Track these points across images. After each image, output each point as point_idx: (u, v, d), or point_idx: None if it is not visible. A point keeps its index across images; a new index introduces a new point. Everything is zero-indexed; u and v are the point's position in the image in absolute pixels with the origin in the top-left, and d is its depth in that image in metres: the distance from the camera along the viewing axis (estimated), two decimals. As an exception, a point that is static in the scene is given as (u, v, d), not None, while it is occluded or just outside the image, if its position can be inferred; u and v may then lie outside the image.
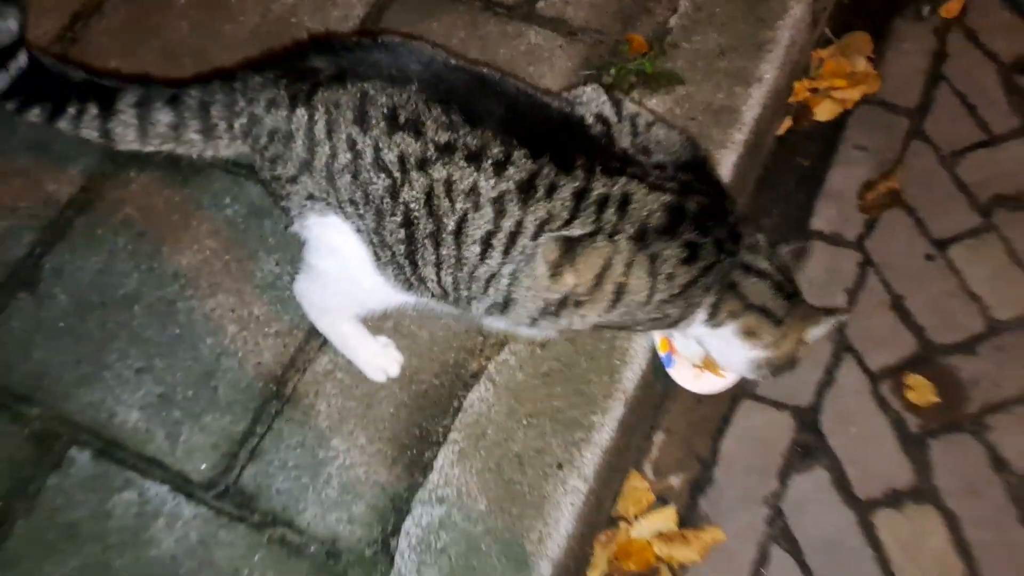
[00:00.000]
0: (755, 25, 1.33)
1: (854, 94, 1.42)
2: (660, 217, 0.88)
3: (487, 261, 0.91)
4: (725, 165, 1.21)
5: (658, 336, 1.14)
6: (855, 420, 1.19)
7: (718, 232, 0.92)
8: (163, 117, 0.98)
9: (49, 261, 1.16)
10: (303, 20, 1.37)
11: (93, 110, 0.98)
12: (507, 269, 0.91)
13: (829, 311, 1.02)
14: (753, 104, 1.25)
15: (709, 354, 1.08)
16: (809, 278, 1.27)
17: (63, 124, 1.00)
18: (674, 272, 0.91)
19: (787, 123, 1.40)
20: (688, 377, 1.17)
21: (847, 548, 1.11)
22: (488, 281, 0.92)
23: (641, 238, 0.89)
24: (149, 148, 1.01)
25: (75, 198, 1.21)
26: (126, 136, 1.00)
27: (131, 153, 1.04)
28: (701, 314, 0.97)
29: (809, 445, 1.17)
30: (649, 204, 0.89)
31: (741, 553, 1.11)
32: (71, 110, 0.99)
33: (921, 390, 1.19)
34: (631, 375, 1.10)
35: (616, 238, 0.88)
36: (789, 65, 1.33)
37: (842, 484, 1.14)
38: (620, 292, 0.92)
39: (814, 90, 1.43)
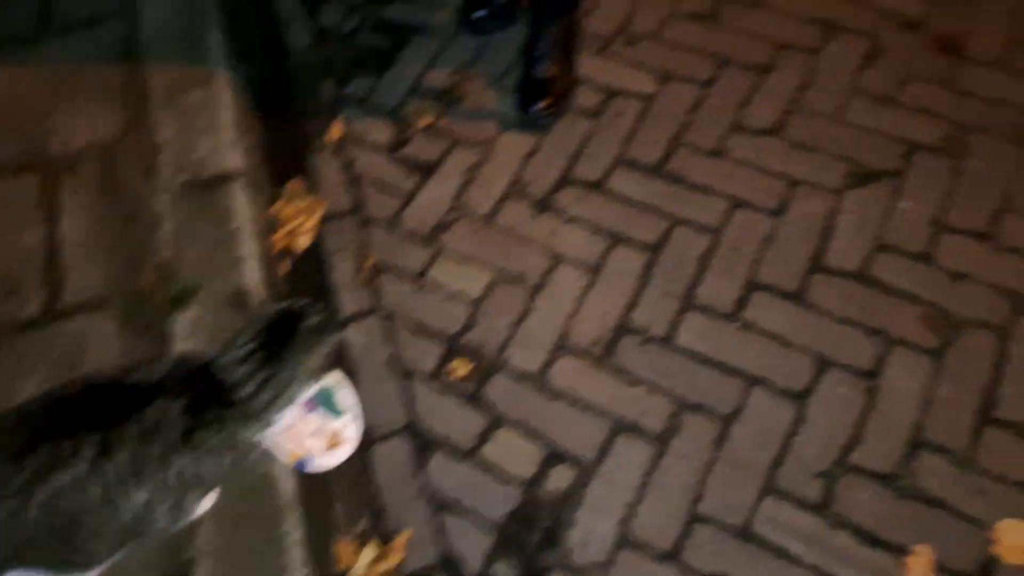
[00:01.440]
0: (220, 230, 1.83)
1: (314, 220, 1.99)
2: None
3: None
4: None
5: (285, 456, 1.59)
6: (446, 418, 1.76)
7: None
8: None
9: None
10: None
11: None
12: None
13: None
14: (252, 274, 1.76)
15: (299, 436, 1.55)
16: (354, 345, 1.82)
17: None
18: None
19: (285, 266, 1.93)
20: (327, 459, 1.64)
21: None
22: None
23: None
24: None
25: None
26: None
27: None
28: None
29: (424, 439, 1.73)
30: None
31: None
32: None
33: (462, 366, 1.80)
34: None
35: None
36: (260, 236, 1.86)
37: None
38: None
39: (289, 233, 1.98)
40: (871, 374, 1.73)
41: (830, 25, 2.22)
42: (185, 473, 1.23)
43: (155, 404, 1.20)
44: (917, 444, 1.65)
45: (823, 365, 1.75)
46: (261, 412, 1.28)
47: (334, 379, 1.65)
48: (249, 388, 1.25)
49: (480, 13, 2.24)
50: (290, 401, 1.31)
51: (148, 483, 1.20)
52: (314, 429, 1.60)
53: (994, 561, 1.53)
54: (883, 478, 1.62)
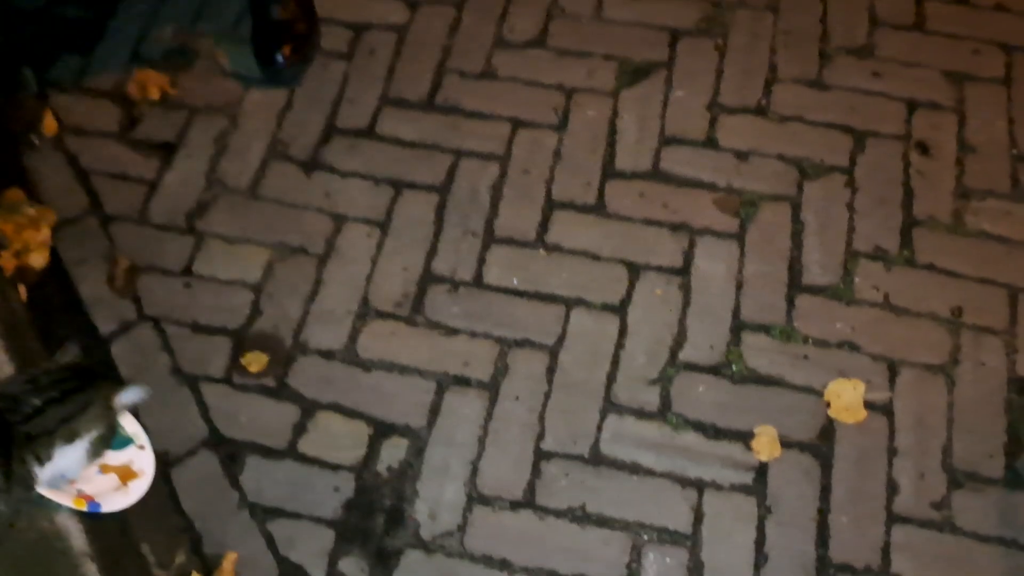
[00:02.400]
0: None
1: (45, 232, 1.69)
2: None
3: None
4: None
5: (70, 502, 1.35)
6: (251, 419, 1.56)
7: None
8: None
9: None
10: None
11: None
12: None
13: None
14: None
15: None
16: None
17: None
18: None
19: (23, 290, 1.63)
20: (122, 498, 1.41)
21: None
22: None
23: None
24: None
25: None
26: None
27: None
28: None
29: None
30: None
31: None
32: None
33: (256, 360, 1.60)
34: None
35: None
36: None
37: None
38: None
39: (18, 252, 1.67)
40: (682, 270, 1.69)
41: (570, -76, 2.14)
42: None
43: None
44: (739, 328, 1.63)
45: (635, 271, 1.69)
46: (43, 448, 1.15)
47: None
48: (34, 423, 1.14)
49: (191, -36, 1.97)
50: (72, 440, 1.18)
51: None
52: (100, 466, 1.36)
53: (831, 424, 1.55)
54: (714, 369, 1.60)
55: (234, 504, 1.47)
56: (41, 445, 1.16)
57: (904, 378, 1.58)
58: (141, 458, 1.41)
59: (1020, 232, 1.71)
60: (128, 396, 1.26)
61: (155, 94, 1.86)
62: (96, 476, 1.35)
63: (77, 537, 1.28)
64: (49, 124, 1.82)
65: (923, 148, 1.81)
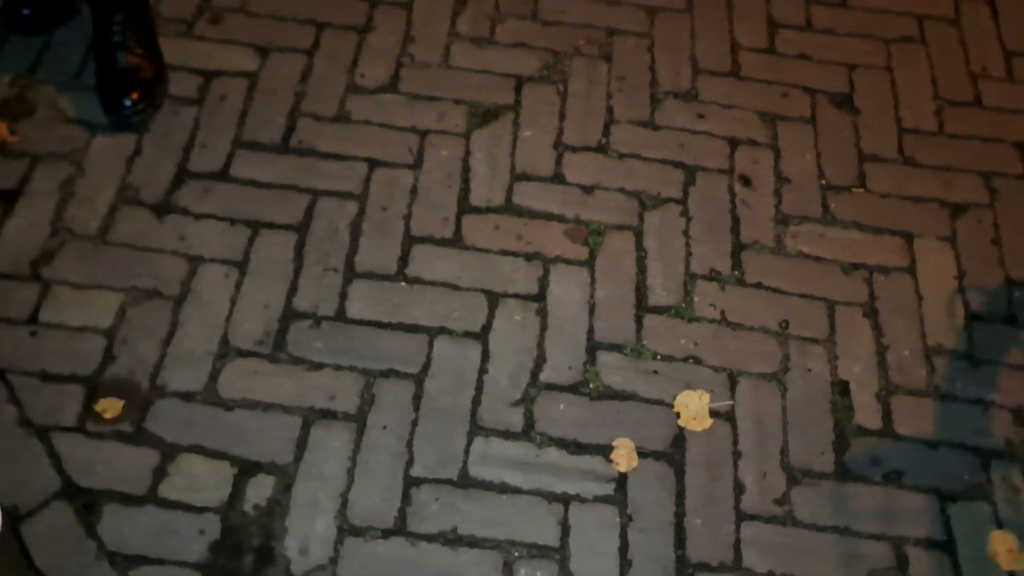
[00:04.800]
0: None
1: None
2: None
3: None
4: None
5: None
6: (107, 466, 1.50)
7: None
8: None
9: None
10: None
11: None
12: None
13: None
14: None
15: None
16: None
17: None
18: None
19: None
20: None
21: None
22: None
23: None
24: None
25: None
26: None
27: None
28: None
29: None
30: None
31: None
32: None
33: (112, 406, 1.55)
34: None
35: None
36: None
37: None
38: None
39: None
40: (538, 297, 1.78)
41: (414, -22, 2.24)
42: None
43: None
44: (594, 348, 1.73)
45: (494, 299, 1.76)
46: None
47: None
48: None
49: (26, 11, 1.92)
50: None
51: None
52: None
53: (681, 432, 1.66)
54: (573, 388, 1.68)
55: (92, 555, 1.40)
56: None
57: (742, 387, 1.72)
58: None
59: (832, 252, 1.90)
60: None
61: (-9, 142, 1.80)
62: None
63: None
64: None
65: (745, 180, 1.99)
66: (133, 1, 1.85)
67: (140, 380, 1.58)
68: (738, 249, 1.89)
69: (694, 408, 1.69)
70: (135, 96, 1.82)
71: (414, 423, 1.60)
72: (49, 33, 1.95)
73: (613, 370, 1.71)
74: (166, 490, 1.48)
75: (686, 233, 1.90)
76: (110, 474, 1.48)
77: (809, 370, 1.75)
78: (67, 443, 1.50)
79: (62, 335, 1.61)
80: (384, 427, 1.59)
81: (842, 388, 1.73)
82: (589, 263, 1.83)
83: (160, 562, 1.42)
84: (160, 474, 1.50)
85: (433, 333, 1.71)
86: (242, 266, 1.74)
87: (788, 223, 1.93)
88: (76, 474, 1.47)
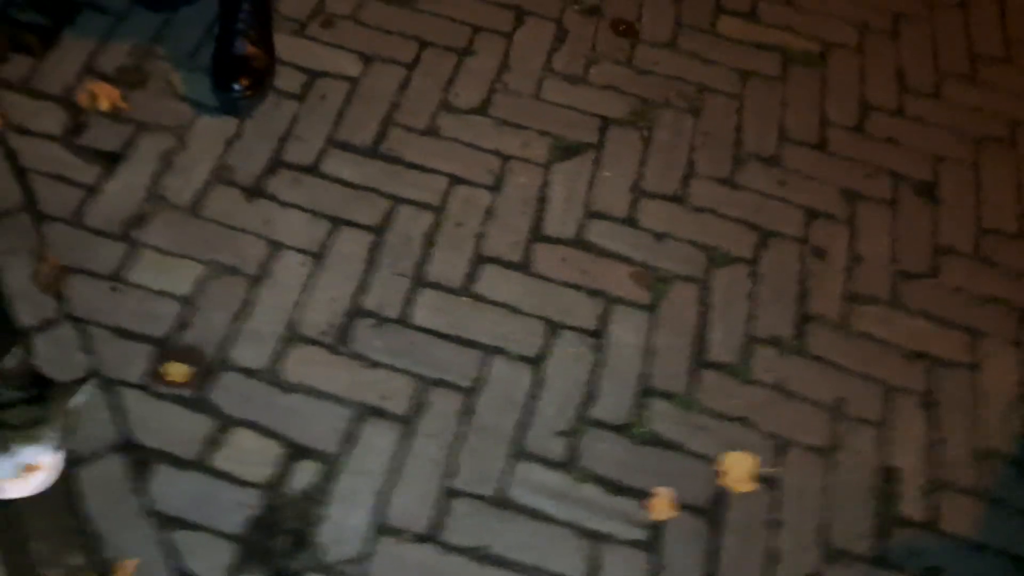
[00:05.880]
0: None
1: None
2: None
3: None
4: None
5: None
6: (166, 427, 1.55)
7: None
8: None
9: None
10: None
11: None
12: None
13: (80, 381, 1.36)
14: None
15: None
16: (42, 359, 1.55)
17: None
18: None
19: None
20: (16, 487, 1.37)
21: None
22: None
23: None
24: None
25: None
26: None
27: None
28: None
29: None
30: None
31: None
32: None
33: (177, 371, 1.60)
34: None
35: None
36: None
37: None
38: None
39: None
40: (597, 333, 1.80)
41: (520, 10, 2.30)
42: None
43: None
44: (645, 393, 1.74)
45: (553, 329, 1.79)
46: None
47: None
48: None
49: (159, -13, 2.03)
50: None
51: None
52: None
53: (723, 491, 1.65)
54: (619, 428, 1.69)
55: (137, 511, 1.44)
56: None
57: (791, 456, 1.71)
58: (47, 455, 1.38)
59: (897, 337, 1.90)
60: (82, 398, 1.29)
61: (105, 105, 1.88)
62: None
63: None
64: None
65: (818, 252, 2.00)
66: (259, -5, 1.95)
67: (207, 350, 1.63)
68: (802, 320, 1.89)
69: (741, 469, 1.68)
70: (245, 82, 1.90)
71: (459, 436, 1.63)
72: (173, 11, 2.05)
73: (662, 418, 1.71)
74: (216, 459, 1.52)
75: (752, 295, 1.91)
76: (166, 435, 1.52)
77: (859, 451, 1.74)
78: (130, 399, 1.55)
79: (141, 295, 1.67)
80: (430, 434, 1.62)
81: (890, 475, 1.72)
82: (651, 308, 1.85)
83: (198, 527, 1.45)
84: (212, 443, 1.54)
85: (489, 351, 1.73)
86: (318, 258, 1.79)
87: (856, 302, 1.93)
88: (134, 430, 1.52)
